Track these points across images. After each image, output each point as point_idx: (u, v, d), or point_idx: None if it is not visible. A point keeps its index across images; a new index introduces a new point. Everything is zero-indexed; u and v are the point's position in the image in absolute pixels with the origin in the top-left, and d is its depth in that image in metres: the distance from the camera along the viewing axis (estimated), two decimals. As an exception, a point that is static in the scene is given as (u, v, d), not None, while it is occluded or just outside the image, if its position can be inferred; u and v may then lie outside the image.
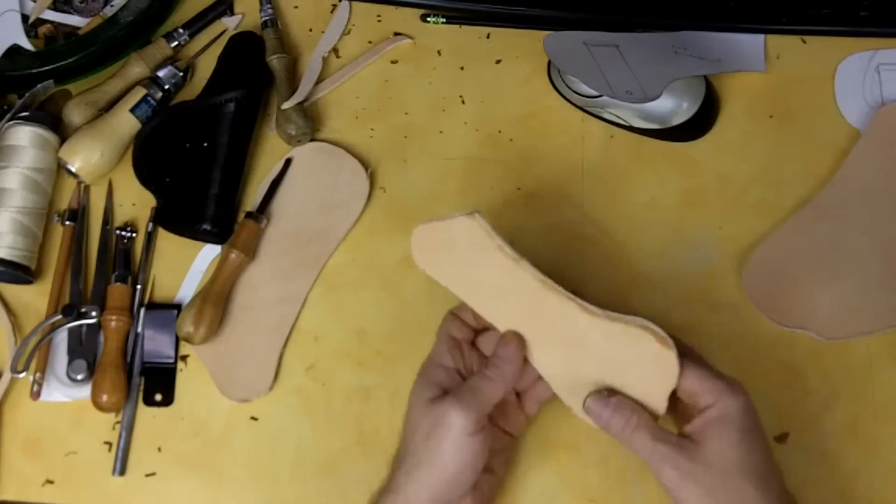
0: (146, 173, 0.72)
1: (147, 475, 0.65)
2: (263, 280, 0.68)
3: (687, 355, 0.55)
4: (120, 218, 0.71)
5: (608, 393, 0.56)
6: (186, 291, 0.69)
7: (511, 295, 0.58)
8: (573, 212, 0.70)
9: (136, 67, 0.73)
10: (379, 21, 0.77)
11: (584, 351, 0.57)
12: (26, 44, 0.75)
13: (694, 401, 0.55)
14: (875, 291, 0.65)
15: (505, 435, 0.61)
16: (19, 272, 0.67)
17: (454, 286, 0.60)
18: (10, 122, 0.69)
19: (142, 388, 0.66)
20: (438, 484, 0.54)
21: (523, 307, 0.58)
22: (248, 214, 0.69)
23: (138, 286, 0.68)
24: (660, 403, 0.55)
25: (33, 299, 0.69)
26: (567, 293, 0.57)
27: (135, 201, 0.72)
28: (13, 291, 0.69)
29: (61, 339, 0.67)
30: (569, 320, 0.57)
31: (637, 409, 0.55)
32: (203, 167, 0.70)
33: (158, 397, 0.66)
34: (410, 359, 0.66)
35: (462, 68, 0.75)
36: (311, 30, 0.77)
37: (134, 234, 0.70)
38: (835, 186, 0.68)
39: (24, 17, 0.77)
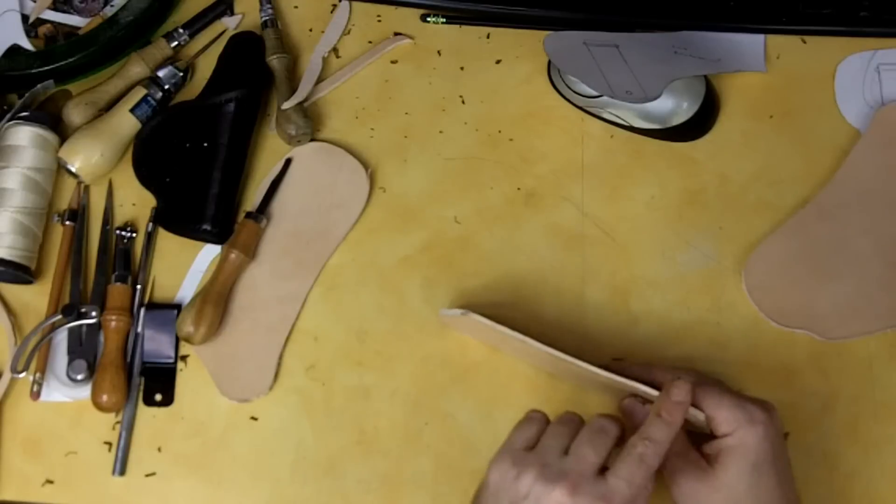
0: (146, 173, 0.72)
1: (147, 475, 0.64)
2: (263, 280, 0.68)
3: (704, 383, 0.56)
4: (120, 218, 0.71)
5: (643, 400, 0.58)
6: (186, 291, 0.69)
7: (534, 353, 0.61)
8: (573, 212, 0.70)
9: (136, 67, 0.73)
10: (379, 21, 0.77)
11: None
12: (26, 44, 0.75)
13: (713, 426, 0.56)
14: (875, 291, 0.65)
15: None
16: (19, 272, 0.67)
17: (487, 343, 0.66)
18: (10, 122, 0.69)
19: (142, 388, 0.66)
20: None
21: (547, 359, 0.61)
22: (248, 214, 0.69)
23: (138, 286, 0.68)
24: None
25: (33, 299, 0.69)
26: (571, 358, 0.58)
27: (135, 201, 0.72)
28: (13, 291, 0.69)
29: (61, 339, 0.67)
30: (588, 372, 0.59)
31: None
32: (203, 167, 0.70)
33: (158, 397, 0.66)
34: (410, 359, 0.66)
35: (462, 68, 0.75)
36: (311, 30, 0.77)
37: (134, 234, 0.70)
38: (835, 186, 0.68)
39: (24, 17, 0.76)
